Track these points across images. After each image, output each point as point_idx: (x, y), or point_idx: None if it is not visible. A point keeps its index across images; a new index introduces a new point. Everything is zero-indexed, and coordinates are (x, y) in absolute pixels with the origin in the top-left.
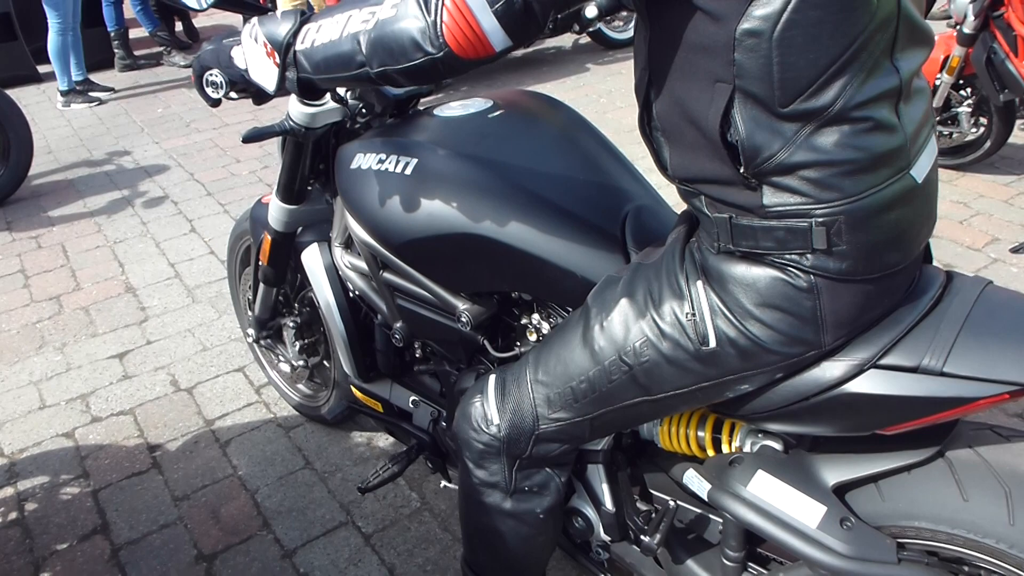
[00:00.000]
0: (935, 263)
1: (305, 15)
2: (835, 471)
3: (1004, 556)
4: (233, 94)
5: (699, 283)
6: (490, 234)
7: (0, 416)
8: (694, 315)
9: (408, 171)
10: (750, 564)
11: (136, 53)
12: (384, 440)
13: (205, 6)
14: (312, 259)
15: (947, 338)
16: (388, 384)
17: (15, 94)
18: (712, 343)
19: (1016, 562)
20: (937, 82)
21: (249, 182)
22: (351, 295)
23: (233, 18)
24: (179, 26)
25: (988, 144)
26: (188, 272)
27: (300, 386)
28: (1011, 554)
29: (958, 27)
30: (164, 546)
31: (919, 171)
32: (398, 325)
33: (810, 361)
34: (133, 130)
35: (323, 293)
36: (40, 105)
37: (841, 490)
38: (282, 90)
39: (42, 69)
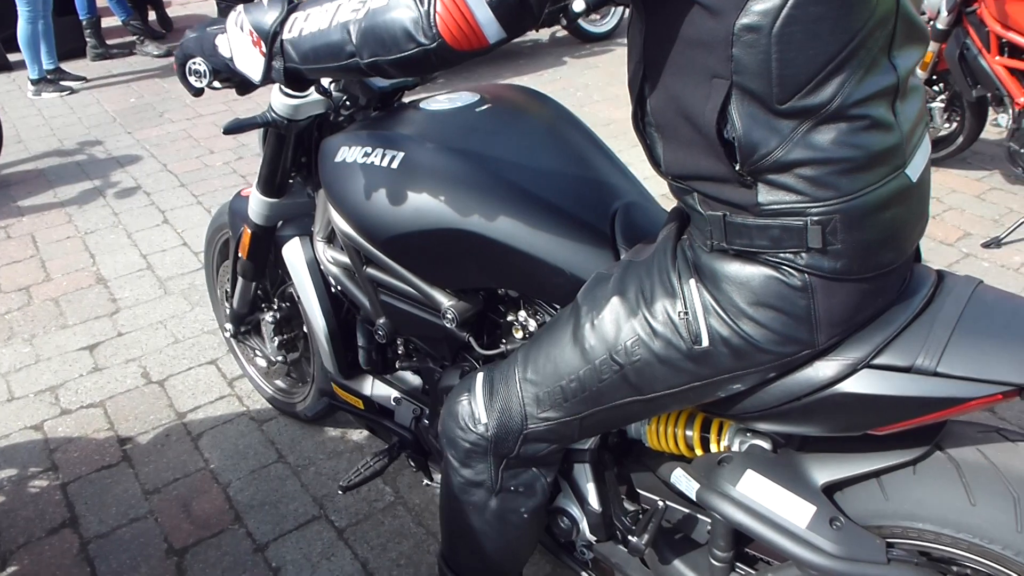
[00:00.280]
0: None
1: (292, 3)
2: (824, 470)
3: (1010, 563)
4: (217, 83)
5: (692, 281)
6: (477, 229)
7: None
8: (687, 314)
9: (394, 165)
10: (738, 564)
11: (108, 42)
12: (358, 434)
13: None
14: (293, 254)
15: (941, 338)
16: (369, 381)
17: None
18: (705, 342)
19: (1021, 569)
20: None
21: (223, 173)
22: (333, 290)
23: (208, 7)
24: (152, 15)
25: (960, 140)
26: (160, 263)
27: (277, 381)
28: (1017, 561)
29: (932, 23)
30: (134, 540)
31: (914, 170)
32: (381, 321)
33: (803, 360)
34: (105, 120)
35: (304, 288)
36: (11, 94)
37: (830, 489)
38: (268, 80)
39: (12, 57)
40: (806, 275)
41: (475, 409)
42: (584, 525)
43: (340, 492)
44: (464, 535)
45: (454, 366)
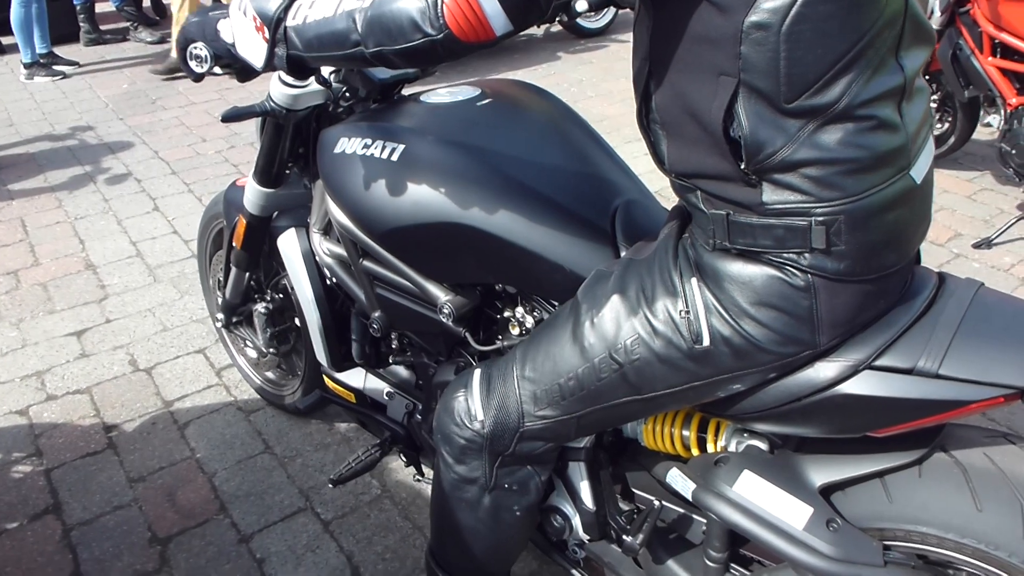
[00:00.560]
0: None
1: None
2: (822, 471)
3: (1015, 570)
4: (218, 69)
5: (693, 280)
6: (477, 224)
7: None
8: (688, 313)
9: (395, 157)
10: (733, 565)
11: (102, 28)
12: (346, 426)
13: None
14: (289, 245)
15: (943, 340)
16: (362, 375)
17: None
18: (706, 341)
19: None
20: None
21: (215, 162)
22: (328, 283)
23: None
24: (146, 2)
25: (952, 140)
26: (150, 251)
27: (267, 373)
28: (1023, 568)
29: None
30: (117, 528)
31: (918, 171)
32: (376, 315)
33: (804, 361)
34: (97, 105)
35: (299, 280)
36: (3, 77)
37: (828, 491)
38: (270, 67)
39: (5, 41)
40: (809, 275)
41: (471, 406)
42: (577, 524)
43: (331, 485)
44: (455, 532)
45: (449, 362)
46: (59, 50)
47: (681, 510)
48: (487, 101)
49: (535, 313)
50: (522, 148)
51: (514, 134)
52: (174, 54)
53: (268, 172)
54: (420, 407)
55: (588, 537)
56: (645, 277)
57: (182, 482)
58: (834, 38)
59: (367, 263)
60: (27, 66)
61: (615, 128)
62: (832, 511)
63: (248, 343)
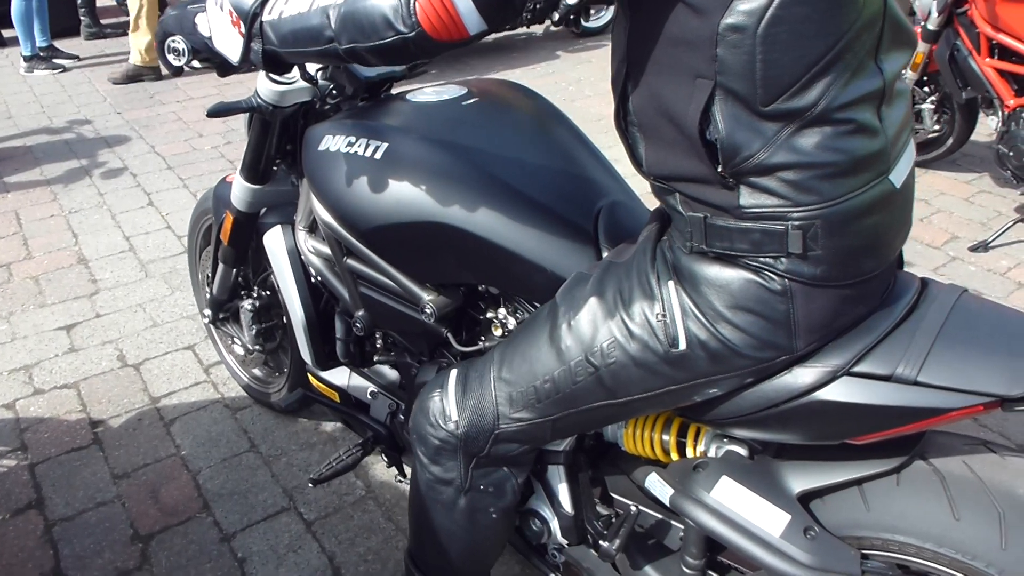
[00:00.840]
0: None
1: None
2: (801, 479)
3: None
4: (196, 63)
5: (671, 283)
6: (459, 224)
7: None
8: (664, 316)
9: (378, 155)
10: (710, 572)
11: (103, 22)
12: (332, 426)
13: None
14: (274, 242)
15: (922, 347)
16: (346, 374)
17: None
18: (682, 345)
19: None
20: None
21: (211, 157)
22: (313, 280)
23: None
24: None
25: (950, 142)
26: (143, 246)
27: (254, 370)
28: None
29: (923, 24)
30: (100, 524)
31: (898, 176)
32: (360, 314)
33: (781, 366)
34: (95, 99)
35: (284, 277)
36: (2, 70)
37: (807, 498)
38: (246, 62)
39: (6, 34)
40: (786, 280)
41: (446, 406)
42: (556, 528)
43: (311, 484)
44: (432, 533)
45: (432, 362)
46: (59, 43)
47: (659, 516)
48: (473, 100)
49: (518, 314)
50: (506, 148)
51: (499, 134)
52: (132, 60)
53: (255, 168)
54: (403, 407)
55: (566, 541)
56: (623, 280)
57: (166, 479)
58: (810, 40)
59: (351, 261)
60: (27, 59)
61: (611, 128)
62: (810, 519)
63: (236, 340)
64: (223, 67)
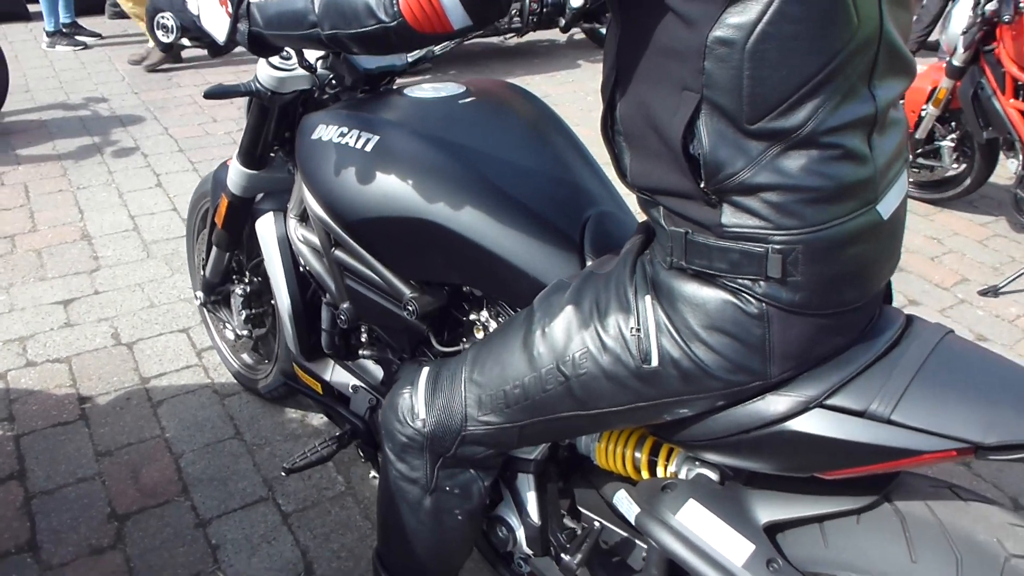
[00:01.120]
0: (897, 300)
1: None
2: (768, 509)
3: None
4: (185, 40)
5: (647, 298)
6: (444, 222)
7: None
8: (639, 330)
9: (368, 148)
10: None
11: None
12: (318, 419)
13: None
14: (266, 228)
15: (899, 385)
16: (330, 365)
17: (1, 30)
18: (654, 361)
19: None
20: (922, 113)
21: (223, 143)
22: (301, 269)
23: None
24: None
25: (968, 181)
26: (147, 226)
27: (244, 356)
28: None
29: (948, 59)
30: (78, 500)
31: (886, 207)
32: (345, 306)
33: (754, 392)
34: (114, 78)
35: (273, 264)
36: (25, 43)
37: (773, 529)
38: (231, 42)
39: (32, 8)
40: (763, 304)
41: (415, 403)
42: (521, 537)
43: (283, 473)
44: (398, 532)
45: (412, 360)
46: (83, 21)
47: (625, 534)
48: (470, 99)
49: (500, 318)
50: (499, 149)
51: (493, 134)
52: (150, 43)
53: (252, 153)
54: (383, 403)
55: (531, 552)
56: (601, 291)
57: (148, 460)
58: (800, 60)
59: (338, 253)
60: (49, 34)
61: None
62: (774, 550)
63: (227, 325)
64: (213, 47)
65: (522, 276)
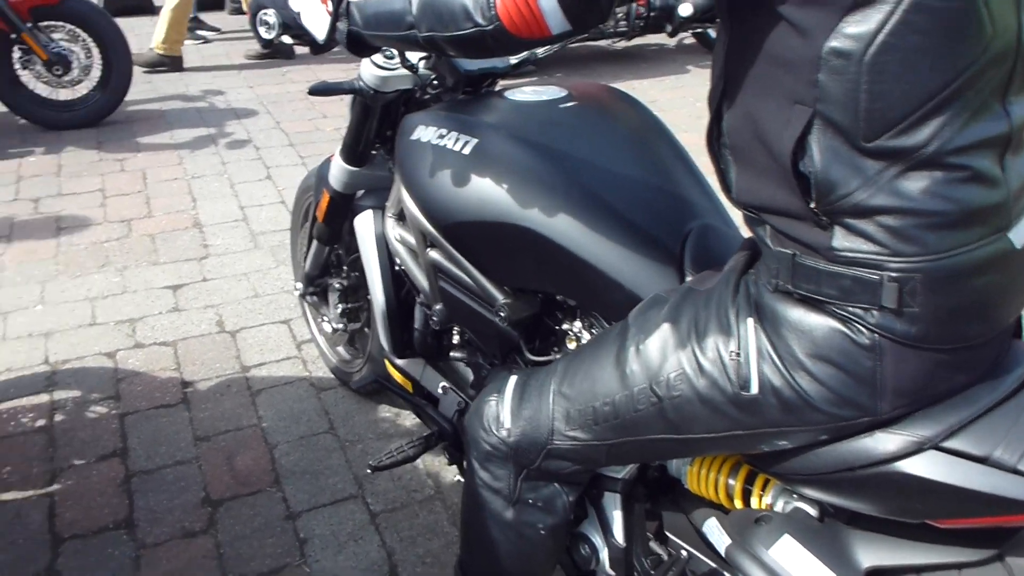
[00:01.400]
0: None
1: None
2: (872, 553)
3: None
4: (286, 38)
5: (750, 321)
6: (539, 229)
7: (52, 325)
8: (739, 355)
9: (467, 150)
10: None
11: None
12: (411, 420)
13: None
14: (363, 225)
15: None
16: (421, 365)
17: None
18: (754, 389)
19: None
20: None
21: (332, 138)
22: (397, 268)
23: None
24: None
25: None
26: (256, 217)
27: (339, 349)
28: None
29: None
30: (176, 482)
31: (1019, 234)
32: (438, 307)
33: (861, 428)
34: (230, 72)
35: (369, 261)
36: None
37: (874, 575)
38: (331, 41)
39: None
40: (876, 335)
41: (501, 412)
42: (605, 558)
43: (369, 471)
44: (481, 542)
45: (502, 366)
46: (204, 16)
47: (713, 564)
48: (571, 103)
49: (593, 330)
50: (599, 156)
51: (594, 140)
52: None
53: (353, 150)
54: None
55: (614, 573)
56: (701, 309)
57: (244, 448)
58: (924, 73)
59: (433, 254)
60: None
61: None
62: None
63: (325, 317)
64: (314, 45)
65: (617, 288)
